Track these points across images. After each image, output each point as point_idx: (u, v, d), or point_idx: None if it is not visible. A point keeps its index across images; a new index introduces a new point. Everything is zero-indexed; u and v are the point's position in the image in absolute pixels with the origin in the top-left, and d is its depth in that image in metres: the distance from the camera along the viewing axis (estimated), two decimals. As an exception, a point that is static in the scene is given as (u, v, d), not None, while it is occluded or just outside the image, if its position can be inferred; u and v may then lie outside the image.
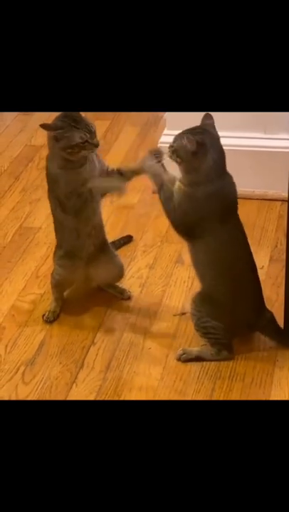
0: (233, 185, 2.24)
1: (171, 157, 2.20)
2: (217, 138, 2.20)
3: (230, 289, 2.28)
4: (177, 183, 2.24)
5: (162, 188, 2.26)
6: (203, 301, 2.29)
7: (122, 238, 2.81)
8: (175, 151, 2.19)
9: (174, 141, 2.20)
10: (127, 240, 2.82)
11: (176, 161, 2.20)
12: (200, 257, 2.27)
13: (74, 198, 2.36)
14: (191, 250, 2.29)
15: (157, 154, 2.31)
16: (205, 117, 2.22)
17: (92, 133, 2.29)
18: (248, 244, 2.30)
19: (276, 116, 2.83)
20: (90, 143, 2.29)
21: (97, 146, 2.31)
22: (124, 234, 2.83)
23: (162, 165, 2.30)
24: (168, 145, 2.22)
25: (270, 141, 2.93)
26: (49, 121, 3.03)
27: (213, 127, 2.21)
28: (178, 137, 2.19)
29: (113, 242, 2.67)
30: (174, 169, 2.26)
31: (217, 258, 2.25)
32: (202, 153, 2.16)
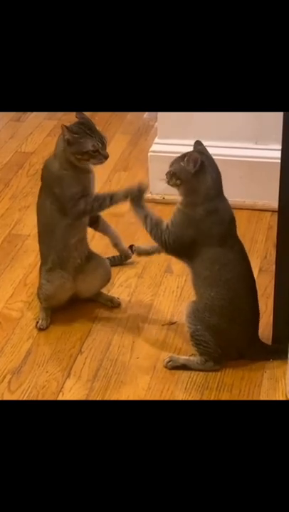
0: (228, 207, 2.26)
1: (169, 182, 2.23)
2: (212, 159, 2.23)
3: (226, 315, 2.26)
4: (176, 206, 2.26)
5: (147, 218, 2.29)
6: (197, 319, 2.28)
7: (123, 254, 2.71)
8: (174, 175, 2.22)
9: (171, 166, 2.23)
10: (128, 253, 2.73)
11: (176, 184, 2.22)
12: (200, 278, 2.27)
13: (81, 200, 2.35)
14: (190, 271, 2.29)
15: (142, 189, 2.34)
16: (196, 143, 2.25)
17: (104, 144, 2.34)
18: (250, 269, 2.30)
19: (267, 126, 2.83)
20: (101, 153, 2.33)
21: (106, 157, 2.36)
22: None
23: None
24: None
25: (261, 152, 2.93)
26: (40, 128, 3.02)
27: (206, 150, 2.23)
28: (175, 161, 2.22)
29: (121, 257, 2.69)
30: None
31: (215, 281, 2.24)
32: (201, 172, 2.18)
